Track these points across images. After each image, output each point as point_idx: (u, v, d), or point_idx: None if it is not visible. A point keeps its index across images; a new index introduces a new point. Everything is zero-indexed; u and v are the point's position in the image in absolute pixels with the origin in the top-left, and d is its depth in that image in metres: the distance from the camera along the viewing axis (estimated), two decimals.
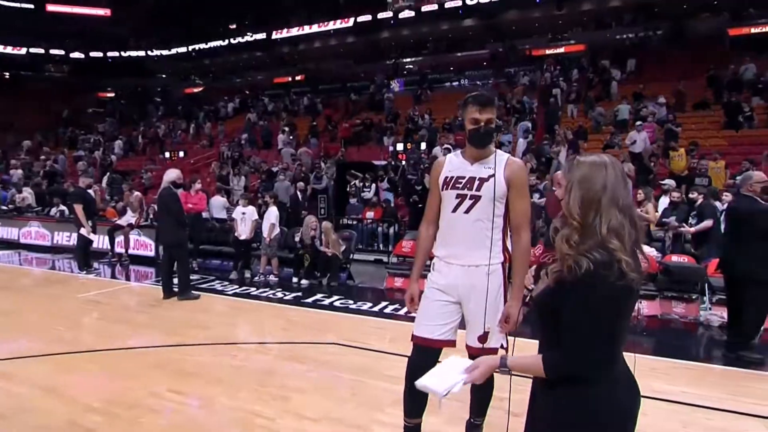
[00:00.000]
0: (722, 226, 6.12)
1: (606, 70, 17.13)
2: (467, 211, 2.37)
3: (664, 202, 7.67)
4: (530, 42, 24.83)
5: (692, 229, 6.69)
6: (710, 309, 5.93)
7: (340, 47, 29.83)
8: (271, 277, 7.93)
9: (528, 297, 2.27)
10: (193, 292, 6.60)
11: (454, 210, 2.40)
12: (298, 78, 28.74)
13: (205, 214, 9.70)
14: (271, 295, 6.91)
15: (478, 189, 2.35)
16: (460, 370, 1.52)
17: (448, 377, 1.50)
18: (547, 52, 23.30)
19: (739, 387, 3.88)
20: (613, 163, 1.46)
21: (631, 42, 20.99)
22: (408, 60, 27.74)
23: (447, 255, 2.45)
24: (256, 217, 8.23)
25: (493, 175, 2.35)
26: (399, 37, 28.57)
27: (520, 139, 12.20)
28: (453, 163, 2.48)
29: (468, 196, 2.37)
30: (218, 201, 10.52)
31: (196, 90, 32.53)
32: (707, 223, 6.56)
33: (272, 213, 8.03)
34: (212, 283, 7.59)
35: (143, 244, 9.78)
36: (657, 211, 7.52)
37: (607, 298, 1.35)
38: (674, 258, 6.49)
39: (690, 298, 6.04)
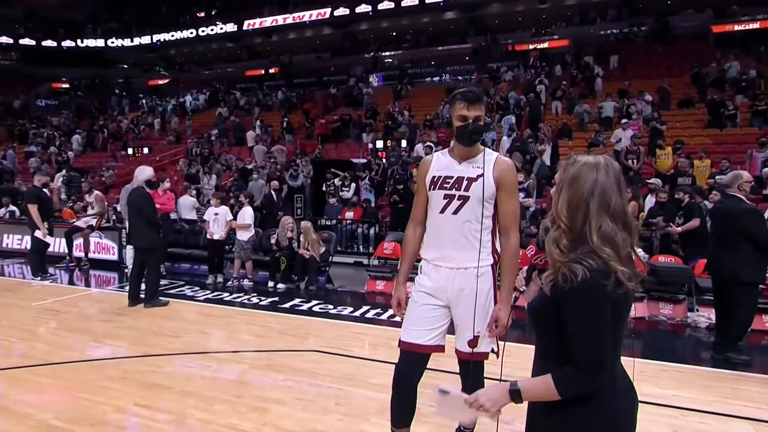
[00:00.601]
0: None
1: (589, 66, 17.50)
2: (455, 212, 2.39)
3: (650, 201, 7.87)
4: (513, 36, 25.20)
5: (679, 229, 6.88)
6: (698, 310, 6.11)
7: (316, 39, 29.71)
8: (245, 282, 7.85)
9: (517, 299, 2.30)
10: (161, 298, 6.48)
11: (442, 211, 2.42)
12: (271, 71, 28.50)
13: (173, 215, 9.53)
14: (245, 301, 6.84)
15: (467, 189, 2.37)
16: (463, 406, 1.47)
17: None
18: (531, 47, 23.68)
19: (728, 389, 4.01)
20: (607, 164, 1.46)
21: (615, 38, 21.51)
22: (387, 54, 27.81)
23: (435, 257, 2.47)
24: (231, 217, 8.13)
25: (482, 175, 2.37)
26: (378, 29, 28.62)
27: (504, 137, 12.34)
28: (440, 162, 2.50)
29: (456, 197, 2.39)
30: (187, 201, 10.36)
31: (161, 82, 31.95)
32: (693, 222, 6.76)
33: (247, 213, 7.94)
34: (182, 289, 7.48)
35: (105, 248, 9.55)
36: (643, 211, 7.71)
37: (608, 307, 1.36)
38: (661, 259, 6.66)
39: (677, 300, 6.21)
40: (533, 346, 1.56)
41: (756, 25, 19.86)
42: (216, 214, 7.95)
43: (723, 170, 8.61)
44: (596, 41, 21.49)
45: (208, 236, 8.04)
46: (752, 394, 3.92)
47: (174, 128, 19.80)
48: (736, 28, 20.08)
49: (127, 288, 6.57)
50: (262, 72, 28.62)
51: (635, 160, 10.24)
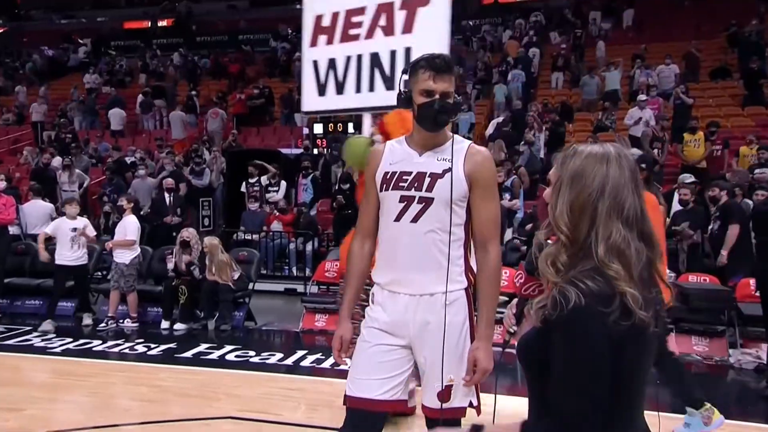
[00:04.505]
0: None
1: (595, 24, 18.16)
2: (415, 220, 2.41)
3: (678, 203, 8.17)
4: None
5: (724, 254, 6.99)
6: (742, 346, 6.31)
7: None
8: (128, 322, 7.67)
9: (507, 342, 2.34)
10: None
11: (398, 218, 2.44)
12: (162, 24, 27.89)
13: (13, 229, 9.14)
14: (127, 351, 6.68)
15: (430, 189, 2.40)
16: None
17: None
18: None
19: None
20: (619, 155, 1.50)
21: None
22: None
23: (390, 281, 2.48)
24: (94, 232, 7.88)
25: (450, 170, 2.41)
26: None
27: (494, 120, 12.58)
28: (395, 154, 2.52)
29: (416, 199, 2.41)
30: (38, 208, 9.98)
31: None
32: (731, 231, 6.96)
33: (131, 225, 7.77)
34: (28, 337, 7.19)
35: None
36: (668, 216, 8.00)
37: (603, 344, 1.38)
38: (692, 278, 6.92)
39: (715, 333, 6.43)
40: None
41: None
42: (74, 229, 7.53)
43: (764, 161, 9.03)
44: None
45: (57, 261, 7.56)
46: None
47: (18, 101, 18.91)
48: None
49: None
50: (149, 24, 27.89)
51: (660, 150, 10.62)
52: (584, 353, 1.39)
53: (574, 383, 1.40)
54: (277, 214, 10.34)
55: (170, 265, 7.84)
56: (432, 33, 3.88)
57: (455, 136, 2.51)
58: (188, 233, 7.85)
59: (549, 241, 1.57)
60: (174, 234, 8.88)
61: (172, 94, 17.88)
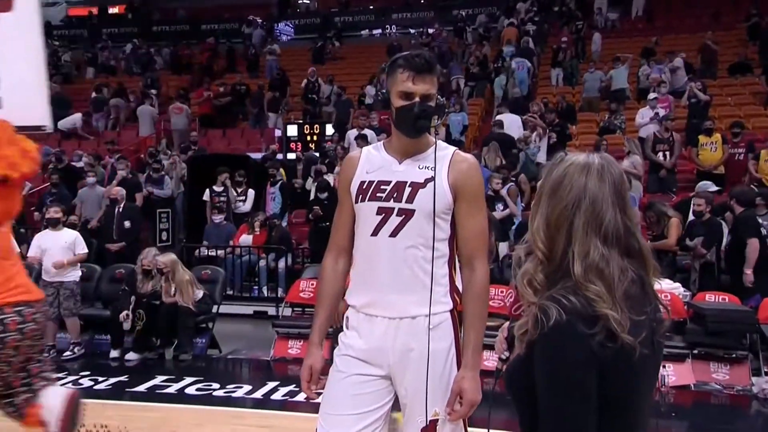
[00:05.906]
0: None
1: (600, 13, 18.37)
2: (395, 234, 2.43)
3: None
4: None
5: (749, 272, 7.05)
6: (766, 374, 6.33)
7: None
8: (69, 353, 7.60)
9: (500, 372, 2.35)
10: None
11: (375, 232, 2.45)
12: (113, 10, 27.75)
13: None
14: (70, 385, 6.45)
15: (411, 200, 2.42)
16: None
17: None
18: None
19: None
20: (602, 166, 1.54)
21: None
22: None
23: (366, 303, 2.50)
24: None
25: (433, 179, 2.43)
26: None
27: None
28: (372, 161, 2.54)
29: (395, 211, 2.43)
30: None
31: None
32: (752, 246, 7.01)
33: (74, 240, 7.72)
34: None
35: None
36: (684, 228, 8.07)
37: (588, 367, 1.40)
38: (708, 297, 6.94)
39: (736, 359, 6.47)
40: None
41: None
42: None
43: None
44: None
45: None
46: None
47: None
48: None
49: None
50: (97, 12, 27.71)
51: (668, 153, 10.69)
52: (561, 373, 1.42)
53: (554, 407, 1.44)
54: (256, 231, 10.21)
55: (126, 326, 7.43)
56: (19, 43, 3.64)
57: (438, 141, 2.54)
58: (148, 262, 7.69)
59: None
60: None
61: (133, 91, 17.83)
